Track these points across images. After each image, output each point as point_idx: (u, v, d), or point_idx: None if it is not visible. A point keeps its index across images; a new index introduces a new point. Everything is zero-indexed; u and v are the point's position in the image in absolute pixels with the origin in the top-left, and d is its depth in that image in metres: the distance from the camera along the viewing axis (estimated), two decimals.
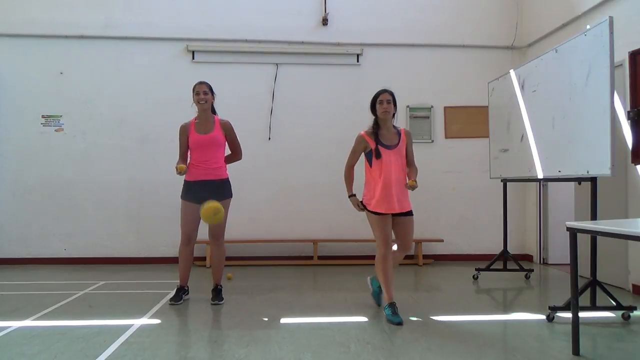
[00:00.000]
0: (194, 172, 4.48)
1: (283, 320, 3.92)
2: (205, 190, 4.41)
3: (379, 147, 4.03)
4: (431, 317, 3.99)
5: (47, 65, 6.80)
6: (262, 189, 6.91)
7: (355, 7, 7.08)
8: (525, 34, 7.09)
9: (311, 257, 6.76)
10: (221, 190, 4.49)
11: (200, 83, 4.51)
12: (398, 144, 4.09)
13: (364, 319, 4.00)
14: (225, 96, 6.93)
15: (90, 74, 6.84)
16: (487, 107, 6.06)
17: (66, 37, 6.80)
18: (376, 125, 4.14)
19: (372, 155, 4.03)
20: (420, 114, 7.13)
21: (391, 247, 4.06)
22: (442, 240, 6.89)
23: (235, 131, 4.66)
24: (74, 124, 6.81)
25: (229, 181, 4.60)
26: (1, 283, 5.49)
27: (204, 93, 4.44)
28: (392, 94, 4.15)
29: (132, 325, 3.75)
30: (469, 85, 7.05)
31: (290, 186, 6.93)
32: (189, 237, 4.57)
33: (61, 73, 6.82)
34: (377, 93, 4.19)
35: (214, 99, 4.56)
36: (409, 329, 3.67)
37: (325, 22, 7.00)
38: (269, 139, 6.97)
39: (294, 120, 6.95)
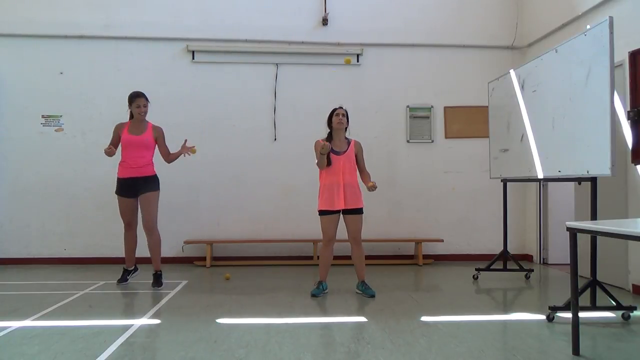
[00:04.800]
0: (124, 170, 5.17)
1: (282, 320, 3.92)
2: (134, 185, 5.13)
3: (331, 154, 4.71)
4: (431, 317, 3.99)
5: (47, 65, 6.80)
6: (261, 188, 6.92)
7: (355, 7, 7.08)
8: (525, 34, 7.09)
9: (311, 257, 6.77)
10: (147, 185, 5.14)
11: (140, 96, 5.13)
12: (347, 150, 4.81)
13: (364, 319, 4.00)
14: (225, 96, 6.97)
15: (90, 74, 6.84)
16: (487, 107, 6.06)
17: (66, 37, 6.80)
18: (330, 136, 4.86)
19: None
20: (420, 114, 7.13)
21: (332, 240, 4.81)
22: (442, 240, 6.89)
23: (165, 137, 5.29)
24: (74, 124, 6.81)
25: (156, 177, 5.24)
26: (1, 283, 5.49)
27: (144, 106, 5.12)
28: (346, 111, 4.89)
29: (132, 325, 3.75)
30: (469, 85, 7.05)
31: (289, 186, 6.93)
32: (129, 224, 5.31)
33: (61, 73, 6.82)
34: (334, 109, 4.88)
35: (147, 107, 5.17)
36: (409, 329, 3.67)
37: (325, 22, 7.00)
38: (275, 139, 6.97)
39: (293, 121, 6.96)
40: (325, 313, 4.23)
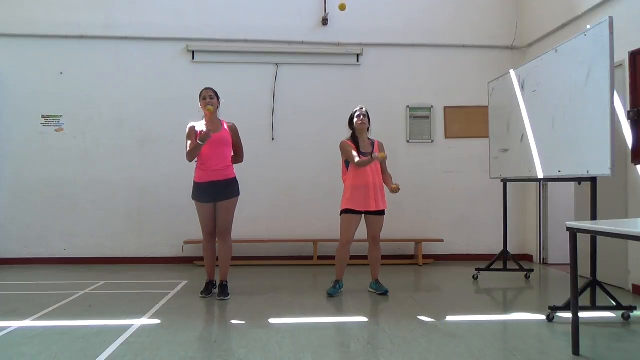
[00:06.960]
0: (203, 174, 4.68)
1: (283, 320, 3.92)
2: (214, 190, 4.67)
3: (360, 156, 4.68)
4: (431, 317, 3.99)
5: (47, 65, 6.79)
6: (261, 189, 6.90)
7: (355, 7, 7.06)
8: (525, 34, 7.09)
9: (311, 257, 6.76)
10: (229, 189, 4.73)
11: (207, 88, 4.75)
12: (373, 152, 4.79)
13: (364, 319, 4.00)
14: (225, 96, 6.92)
15: (90, 74, 6.84)
16: (487, 107, 6.06)
17: (66, 37, 6.80)
18: (354, 137, 4.84)
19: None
20: (420, 114, 7.13)
21: (350, 241, 4.79)
22: (442, 240, 6.89)
23: (240, 135, 4.90)
24: (74, 124, 6.81)
25: (236, 180, 4.83)
26: (1, 283, 5.49)
27: (210, 97, 4.68)
28: (367, 111, 4.92)
29: (132, 325, 3.75)
30: (469, 85, 7.05)
31: (290, 186, 6.93)
32: (210, 234, 4.79)
33: (61, 73, 6.82)
34: (354, 110, 4.91)
35: (219, 103, 4.78)
36: (409, 329, 3.67)
37: (325, 22, 7.00)
38: (273, 139, 6.96)
39: (293, 121, 6.95)
40: (325, 313, 4.23)
